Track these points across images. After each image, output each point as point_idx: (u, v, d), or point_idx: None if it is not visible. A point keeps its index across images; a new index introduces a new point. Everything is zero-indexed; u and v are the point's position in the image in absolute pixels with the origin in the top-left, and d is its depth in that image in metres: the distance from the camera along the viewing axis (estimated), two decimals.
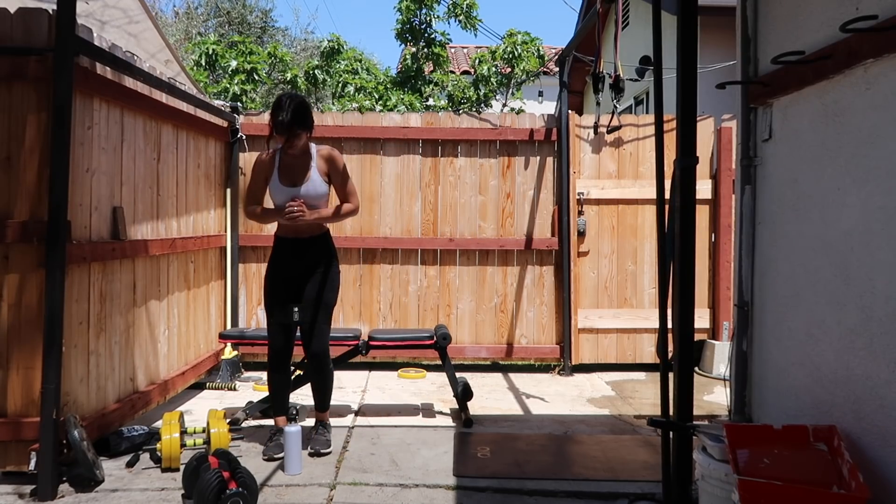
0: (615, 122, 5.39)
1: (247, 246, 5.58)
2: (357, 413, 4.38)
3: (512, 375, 5.50)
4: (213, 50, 8.61)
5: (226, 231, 5.46)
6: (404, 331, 4.60)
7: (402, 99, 8.81)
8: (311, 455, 3.50)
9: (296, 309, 3.56)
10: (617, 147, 5.63)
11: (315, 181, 3.50)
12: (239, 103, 6.66)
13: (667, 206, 2.65)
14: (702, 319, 5.53)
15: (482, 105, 9.73)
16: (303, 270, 3.57)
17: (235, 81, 8.38)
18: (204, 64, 8.62)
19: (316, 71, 9.07)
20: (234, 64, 8.46)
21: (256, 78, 8.63)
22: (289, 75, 9.06)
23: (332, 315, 3.68)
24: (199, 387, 4.90)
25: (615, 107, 5.24)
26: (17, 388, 3.07)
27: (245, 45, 8.89)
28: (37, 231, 3.03)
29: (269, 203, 3.60)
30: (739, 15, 3.43)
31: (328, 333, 3.64)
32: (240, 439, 3.73)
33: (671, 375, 2.51)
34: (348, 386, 5.08)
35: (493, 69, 9.54)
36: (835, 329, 2.67)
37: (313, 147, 3.56)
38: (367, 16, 55.39)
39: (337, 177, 3.58)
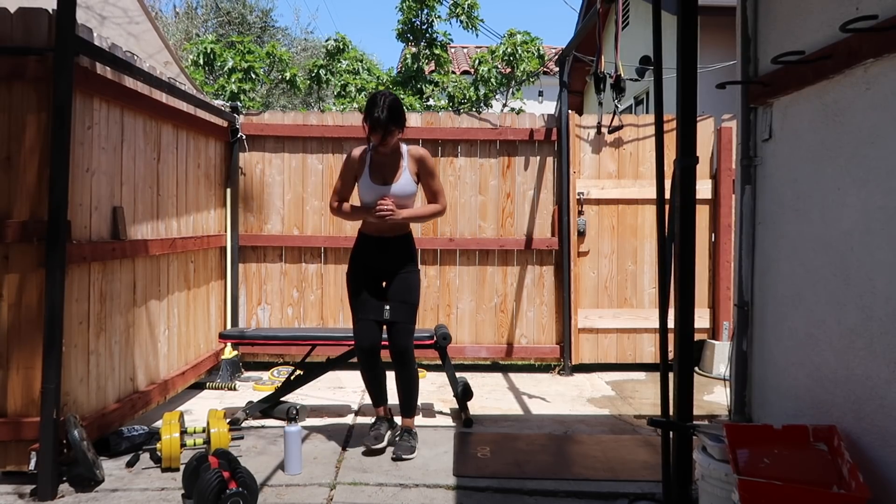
0: (616, 122, 5.39)
1: (247, 246, 5.58)
2: (357, 413, 4.38)
3: (512, 375, 5.50)
4: (211, 49, 8.62)
5: (226, 231, 5.45)
6: None
7: (403, 99, 8.82)
8: (393, 460, 3.46)
9: (387, 307, 3.58)
10: (617, 147, 5.63)
11: (406, 180, 3.52)
12: (238, 103, 6.66)
13: (667, 206, 2.65)
14: (702, 319, 5.53)
15: (482, 105, 9.73)
16: (389, 269, 3.60)
17: (232, 80, 8.39)
18: (202, 63, 8.63)
19: (321, 70, 9.07)
20: (230, 63, 8.47)
21: (254, 77, 8.64)
22: (288, 75, 9.06)
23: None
24: (199, 387, 4.90)
25: (616, 107, 5.24)
26: (17, 388, 3.07)
27: (244, 45, 8.90)
28: (37, 231, 3.03)
29: (355, 199, 3.63)
30: (739, 15, 3.43)
31: (413, 332, 3.66)
32: (240, 439, 3.73)
33: (671, 375, 2.51)
34: (348, 386, 5.08)
35: (494, 69, 9.54)
36: (835, 329, 2.67)
37: (404, 146, 3.58)
38: (368, 16, 55.43)
39: (427, 177, 3.59)
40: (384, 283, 3.64)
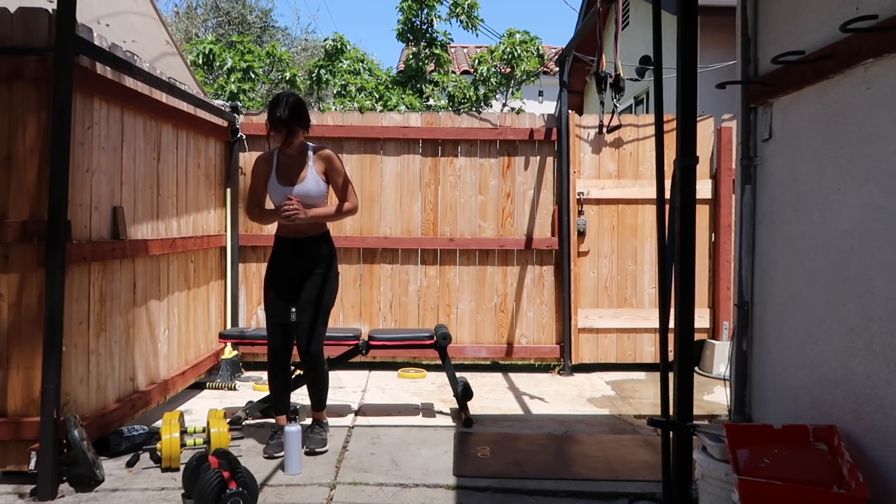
0: (615, 122, 5.39)
1: (247, 246, 5.58)
2: (357, 413, 4.38)
3: (512, 375, 5.50)
4: (210, 49, 8.63)
5: (226, 231, 5.46)
6: (404, 330, 4.60)
7: (403, 99, 8.82)
8: (306, 454, 3.49)
9: (293, 309, 3.56)
10: (617, 147, 5.63)
11: (311, 180, 3.52)
12: (238, 102, 6.66)
13: (667, 206, 2.65)
14: (702, 319, 5.53)
15: (482, 105, 9.73)
16: (302, 270, 3.59)
17: (232, 80, 8.40)
18: (201, 63, 8.64)
19: (321, 70, 9.08)
20: (229, 63, 8.48)
21: (253, 77, 8.64)
22: (287, 74, 9.06)
23: (330, 316, 3.67)
24: (199, 386, 4.91)
25: (615, 106, 5.24)
26: (18, 388, 3.08)
27: (243, 45, 8.91)
28: (37, 231, 3.03)
29: (270, 204, 3.63)
30: (739, 15, 3.43)
31: (324, 334, 3.64)
32: (240, 439, 3.73)
33: (671, 375, 2.51)
34: (348, 386, 5.08)
35: (493, 69, 9.55)
36: (835, 329, 2.67)
37: (310, 146, 3.59)
38: (368, 15, 55.47)
39: (335, 176, 3.59)
40: (298, 285, 3.61)
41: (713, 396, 4.89)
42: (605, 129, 5.53)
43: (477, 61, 9.80)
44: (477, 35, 10.84)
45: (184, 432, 3.59)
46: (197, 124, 4.79)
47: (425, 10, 9.34)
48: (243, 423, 4.02)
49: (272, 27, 15.21)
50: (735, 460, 2.39)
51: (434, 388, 5.05)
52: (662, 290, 2.64)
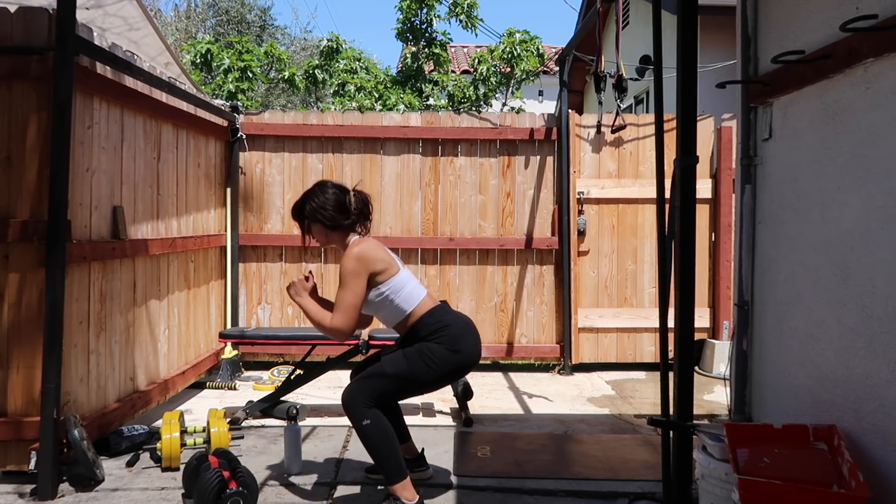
0: (619, 122, 5.38)
1: (247, 245, 5.58)
2: None
3: (512, 375, 5.50)
4: (208, 49, 8.64)
5: (226, 230, 5.45)
6: None
7: (402, 98, 8.82)
8: None
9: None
10: (617, 146, 5.62)
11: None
12: (238, 102, 6.66)
13: (667, 206, 2.65)
14: (702, 319, 5.53)
15: (482, 104, 9.73)
16: None
17: (230, 80, 8.40)
18: (199, 63, 8.65)
19: (316, 71, 9.08)
20: (226, 62, 8.49)
21: (251, 76, 8.64)
22: (286, 74, 9.07)
23: (383, 386, 2.84)
24: (199, 386, 4.91)
25: (619, 106, 5.24)
26: (18, 388, 3.08)
27: (241, 45, 8.91)
28: (37, 230, 3.03)
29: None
30: (739, 14, 3.43)
31: (364, 393, 2.80)
32: (240, 438, 3.73)
33: (671, 375, 2.51)
34: None
35: (493, 69, 9.54)
36: (835, 328, 2.67)
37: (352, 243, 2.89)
38: (367, 15, 55.48)
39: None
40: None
41: (713, 396, 4.89)
42: (605, 129, 5.53)
43: (477, 61, 9.80)
44: (476, 35, 10.83)
45: (184, 432, 3.59)
46: (197, 124, 4.79)
47: (424, 10, 9.34)
48: (243, 423, 4.02)
49: (271, 26, 15.21)
50: (735, 460, 2.39)
51: None
52: (662, 290, 2.64)
